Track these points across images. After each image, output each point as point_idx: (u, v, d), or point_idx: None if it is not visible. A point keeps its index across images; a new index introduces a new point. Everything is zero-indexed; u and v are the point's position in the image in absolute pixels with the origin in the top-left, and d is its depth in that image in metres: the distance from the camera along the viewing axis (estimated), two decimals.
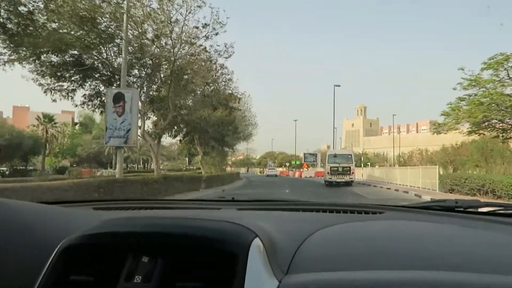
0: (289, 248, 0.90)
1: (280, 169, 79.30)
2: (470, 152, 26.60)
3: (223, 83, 25.79)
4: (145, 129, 21.51)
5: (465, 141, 27.32)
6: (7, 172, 39.03)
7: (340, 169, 25.93)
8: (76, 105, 18.24)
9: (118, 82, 15.84)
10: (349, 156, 27.34)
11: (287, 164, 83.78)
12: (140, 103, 18.18)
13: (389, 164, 59.27)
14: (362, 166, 38.60)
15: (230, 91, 26.36)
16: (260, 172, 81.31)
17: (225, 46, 17.73)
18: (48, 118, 40.10)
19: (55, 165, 44.66)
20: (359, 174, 36.50)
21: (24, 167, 41.38)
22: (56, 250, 0.84)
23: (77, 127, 63.30)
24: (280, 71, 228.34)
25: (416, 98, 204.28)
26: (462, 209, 1.41)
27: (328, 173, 26.32)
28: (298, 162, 75.60)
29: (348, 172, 25.84)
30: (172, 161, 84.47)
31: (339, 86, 43.32)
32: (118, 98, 13.71)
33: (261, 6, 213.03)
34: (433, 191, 18.82)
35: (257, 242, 0.80)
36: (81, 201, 1.72)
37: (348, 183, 25.45)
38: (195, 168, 39.62)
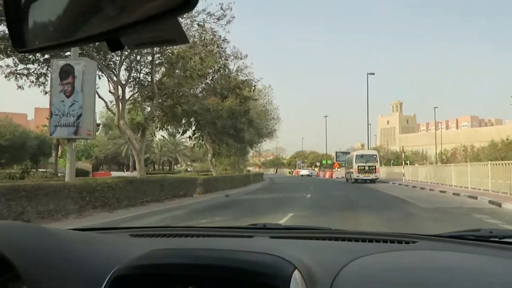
0: (326, 279, 0.92)
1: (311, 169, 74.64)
2: None
3: (234, 67, 21.68)
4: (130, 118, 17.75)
5: None
6: (17, 175, 35.94)
7: (367, 168, 29.64)
8: (46, 92, 14.61)
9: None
10: (375, 156, 30.70)
11: (318, 164, 78.55)
12: (112, 84, 14.33)
13: (429, 162, 53.74)
14: (403, 165, 33.27)
15: (243, 78, 22.25)
16: (289, 173, 76.53)
17: (221, 9, 13.65)
18: None
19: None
20: (401, 174, 32.11)
21: (34, 169, 38.69)
22: (107, 280, 0.85)
23: (100, 128, 61.39)
24: (311, 66, 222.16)
25: (455, 94, 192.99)
26: (497, 239, 1.36)
27: (356, 171, 29.77)
28: (329, 162, 70.54)
29: (374, 171, 29.69)
30: (200, 162, 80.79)
31: (373, 74, 38.67)
32: (66, 73, 9.85)
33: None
34: None
35: (296, 274, 0.82)
36: (116, 228, 1.75)
37: (373, 180, 29.26)
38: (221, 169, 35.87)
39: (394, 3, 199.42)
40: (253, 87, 23.08)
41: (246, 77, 22.75)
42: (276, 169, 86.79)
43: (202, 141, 24.65)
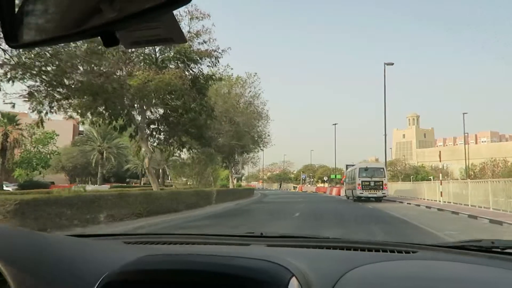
0: None
1: (321, 185, 67.39)
2: None
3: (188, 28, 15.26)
4: None
5: None
6: None
7: (372, 184, 24.59)
8: None
9: None
10: (381, 170, 25.90)
11: (325, 178, 71.23)
12: None
13: (451, 178, 46.81)
14: (440, 180, 23.53)
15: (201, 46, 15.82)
16: (294, 188, 69.28)
17: None
18: (8, 118, 31.56)
19: (23, 177, 36.11)
20: (419, 191, 25.80)
21: None
22: (96, 286, 0.84)
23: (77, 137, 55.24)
24: (323, 74, 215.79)
25: (473, 109, 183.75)
26: (499, 249, 1.34)
27: (359, 187, 24.77)
28: (339, 176, 63.40)
29: (381, 187, 24.64)
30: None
31: (392, 64, 31.93)
32: None
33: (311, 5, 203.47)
34: None
35: (294, 282, 0.81)
36: (110, 235, 1.74)
37: (379, 199, 24.47)
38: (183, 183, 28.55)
39: (415, 13, 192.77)
40: (215, 59, 16.28)
41: (205, 43, 16.19)
42: (280, 184, 79.60)
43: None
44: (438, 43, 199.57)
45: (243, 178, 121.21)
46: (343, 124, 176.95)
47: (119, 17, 0.51)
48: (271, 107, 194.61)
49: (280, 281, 0.79)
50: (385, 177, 25.33)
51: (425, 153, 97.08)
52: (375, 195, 24.38)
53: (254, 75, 30.26)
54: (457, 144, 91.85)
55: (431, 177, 33.07)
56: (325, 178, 70.50)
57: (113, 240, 1.58)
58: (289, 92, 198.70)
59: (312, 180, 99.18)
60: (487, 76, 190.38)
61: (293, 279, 0.81)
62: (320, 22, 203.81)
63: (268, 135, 37.45)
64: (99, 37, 0.56)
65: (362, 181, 24.68)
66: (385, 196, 25.01)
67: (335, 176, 62.09)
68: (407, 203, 22.31)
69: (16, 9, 0.58)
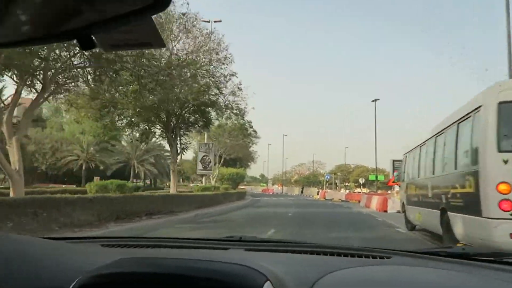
0: None
1: (358, 190, 48.23)
2: None
3: None
4: None
5: None
6: None
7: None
8: None
9: None
10: None
11: (361, 180, 51.09)
12: None
13: None
14: None
15: None
16: (318, 194, 49.97)
17: None
18: None
19: None
20: None
21: None
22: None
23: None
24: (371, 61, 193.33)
25: None
26: (469, 256, 1.38)
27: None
28: (381, 178, 43.91)
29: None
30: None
31: None
32: None
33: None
34: None
35: (268, 286, 0.81)
36: (88, 238, 1.80)
37: None
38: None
39: None
40: None
41: None
42: (302, 189, 60.34)
43: None
44: None
45: (269, 181, 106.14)
46: (382, 123, 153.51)
47: (97, 20, 0.51)
48: (301, 104, 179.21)
49: (254, 285, 0.79)
50: None
51: None
52: None
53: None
54: None
55: None
56: (361, 180, 50.34)
57: (91, 243, 1.57)
58: (322, 88, 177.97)
59: (347, 184, 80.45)
60: None
61: (267, 283, 0.81)
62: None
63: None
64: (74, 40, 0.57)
65: None
66: None
67: (376, 177, 42.51)
68: None
69: None
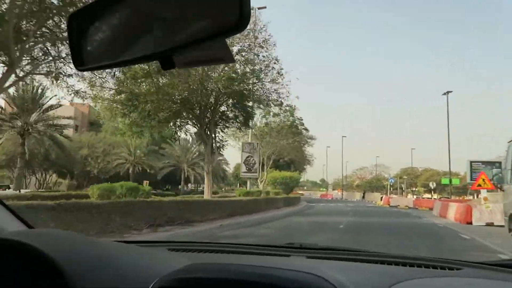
0: None
1: (428, 196, 42.52)
2: None
3: None
4: None
5: None
6: None
7: None
8: None
9: None
10: None
11: (432, 185, 45.01)
12: None
13: None
14: None
15: None
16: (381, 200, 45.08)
17: None
18: None
19: None
20: None
21: None
22: None
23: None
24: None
25: None
26: None
27: None
28: (457, 181, 38.29)
29: None
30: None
31: None
32: None
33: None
34: None
35: None
36: (154, 242, 1.83)
37: None
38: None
39: None
40: None
41: None
42: (363, 194, 55.41)
43: None
44: None
45: (329, 186, 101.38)
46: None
47: (178, 44, 0.55)
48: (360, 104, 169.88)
49: None
50: None
51: None
52: None
53: None
54: None
55: None
56: (432, 185, 44.29)
57: (158, 247, 1.61)
58: (380, 86, 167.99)
59: (414, 189, 73.47)
60: None
61: None
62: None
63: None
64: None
65: None
66: None
67: (450, 181, 36.88)
68: None
69: (84, 36, 0.63)
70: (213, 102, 17.73)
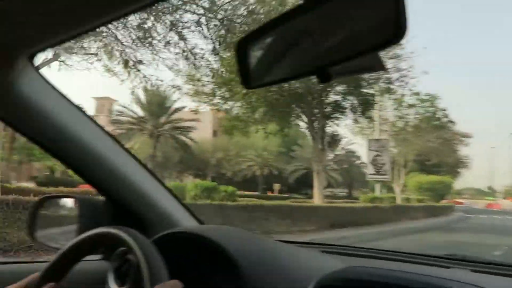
0: None
1: None
2: None
3: None
4: None
5: None
6: None
7: None
8: None
9: None
10: None
11: None
12: None
13: None
14: None
15: None
16: None
17: None
18: None
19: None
20: None
21: None
22: None
23: None
24: None
25: None
26: None
27: None
28: None
29: None
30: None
31: None
32: None
33: None
34: None
35: None
36: (308, 243, 1.80)
37: None
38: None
39: None
40: None
41: None
42: None
43: None
44: None
45: (497, 194, 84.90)
46: None
47: (335, 58, 0.56)
48: None
49: None
50: None
51: None
52: None
53: None
54: None
55: None
56: None
57: (312, 248, 1.59)
58: None
59: None
60: None
61: None
62: None
63: None
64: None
65: None
66: None
67: None
68: None
69: (249, 57, 0.68)
70: (319, 89, 14.83)
